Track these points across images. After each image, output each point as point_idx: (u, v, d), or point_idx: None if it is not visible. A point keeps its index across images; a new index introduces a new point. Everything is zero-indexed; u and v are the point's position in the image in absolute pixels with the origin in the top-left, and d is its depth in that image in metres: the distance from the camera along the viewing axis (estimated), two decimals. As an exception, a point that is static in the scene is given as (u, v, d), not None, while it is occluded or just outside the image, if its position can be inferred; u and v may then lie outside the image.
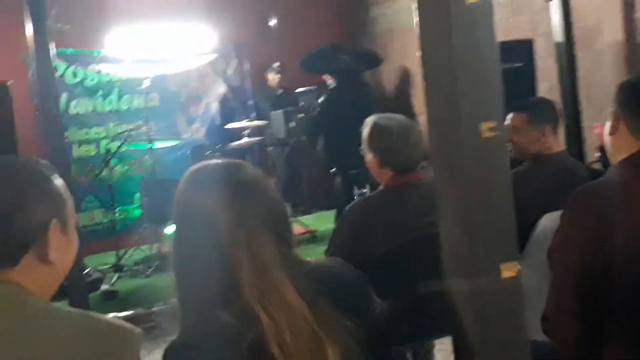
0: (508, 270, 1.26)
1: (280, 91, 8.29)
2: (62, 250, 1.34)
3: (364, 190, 5.72)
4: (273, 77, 8.25)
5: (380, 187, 2.79)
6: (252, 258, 1.37)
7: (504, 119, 1.27)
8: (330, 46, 6.24)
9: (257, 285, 1.35)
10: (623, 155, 1.89)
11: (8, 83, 5.04)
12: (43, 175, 1.34)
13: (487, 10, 1.20)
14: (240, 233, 1.38)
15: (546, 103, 3.27)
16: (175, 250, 1.48)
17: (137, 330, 1.32)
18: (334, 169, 6.58)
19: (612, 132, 1.93)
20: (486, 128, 1.20)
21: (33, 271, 1.31)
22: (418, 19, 1.29)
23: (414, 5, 1.29)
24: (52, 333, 1.24)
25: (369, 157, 2.79)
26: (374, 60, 7.46)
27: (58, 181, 1.36)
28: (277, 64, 8.17)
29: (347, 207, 2.77)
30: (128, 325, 1.32)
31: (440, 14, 1.21)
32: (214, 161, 1.54)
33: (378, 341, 1.47)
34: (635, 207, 1.78)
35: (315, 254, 5.17)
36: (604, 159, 3.40)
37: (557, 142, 3.15)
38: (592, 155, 5.05)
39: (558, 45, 4.52)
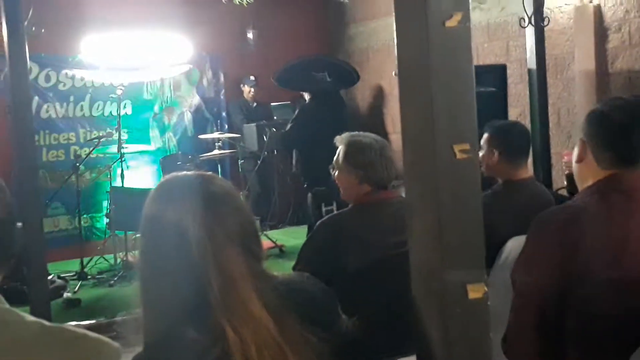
0: (475, 292, 1.27)
1: (254, 104, 8.29)
2: None
3: (330, 207, 5.73)
4: (248, 90, 8.24)
5: (351, 205, 2.80)
6: (220, 272, 1.36)
7: (478, 141, 1.29)
8: (307, 61, 6.05)
9: (224, 300, 1.34)
10: (589, 182, 1.93)
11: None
12: None
13: (464, 35, 1.22)
14: (208, 247, 1.37)
15: (514, 127, 3.32)
16: (141, 262, 1.46)
17: (116, 344, 1.30)
18: (306, 185, 6.59)
19: (579, 160, 1.97)
20: (459, 150, 1.22)
21: None
22: (395, 39, 1.30)
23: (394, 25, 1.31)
24: (28, 348, 1.21)
25: (345, 174, 2.79)
26: (351, 78, 7.44)
27: None
28: (252, 78, 8.17)
29: (318, 223, 2.78)
30: (106, 339, 1.30)
31: (418, 36, 1.23)
32: (184, 173, 1.53)
33: (343, 357, 1.47)
34: (597, 233, 1.81)
35: (283, 269, 5.15)
36: (571, 186, 3.47)
37: (524, 168, 3.19)
38: (560, 181, 5.12)
39: (530, 71, 4.60)
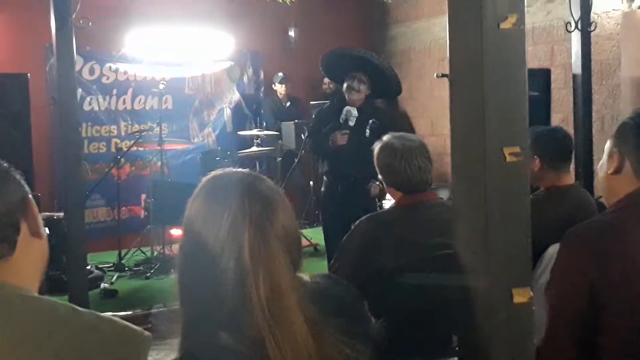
0: (520, 296, 1.26)
1: (288, 104, 8.28)
2: (41, 224, 1.30)
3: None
4: (279, 88, 8.24)
5: (392, 205, 2.80)
6: (270, 279, 1.27)
7: (527, 145, 1.27)
8: (354, 55, 5.37)
9: (270, 309, 1.25)
10: (622, 194, 1.89)
11: (27, 74, 5.05)
12: None
13: (519, 37, 1.21)
14: (262, 251, 1.28)
15: (556, 133, 3.25)
16: (182, 260, 1.36)
17: (147, 333, 1.26)
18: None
19: (616, 172, 1.93)
20: (510, 153, 1.21)
21: (29, 252, 1.26)
22: (448, 40, 1.30)
23: (444, 25, 1.30)
24: (60, 336, 1.20)
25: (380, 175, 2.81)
26: (389, 90, 6.00)
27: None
28: (280, 74, 8.16)
29: (356, 222, 2.77)
30: (138, 328, 1.26)
31: (471, 37, 1.22)
32: (233, 170, 1.43)
33: None
34: (630, 245, 1.78)
35: (317, 268, 5.15)
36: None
37: (567, 174, 3.14)
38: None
39: (575, 77, 4.52)
